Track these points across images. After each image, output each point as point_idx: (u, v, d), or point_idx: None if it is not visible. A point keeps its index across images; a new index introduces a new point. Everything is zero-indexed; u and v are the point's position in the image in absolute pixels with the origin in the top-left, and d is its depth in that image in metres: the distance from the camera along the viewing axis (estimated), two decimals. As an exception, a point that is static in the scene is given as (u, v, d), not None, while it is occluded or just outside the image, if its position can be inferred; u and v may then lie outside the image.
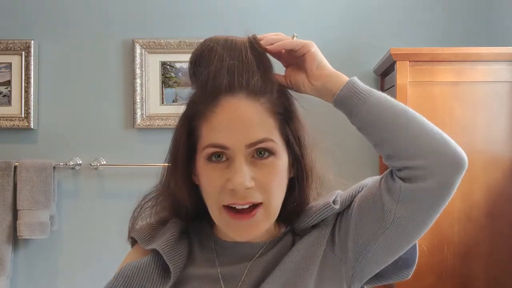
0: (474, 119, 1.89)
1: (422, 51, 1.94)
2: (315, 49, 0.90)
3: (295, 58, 0.92)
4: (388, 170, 0.89)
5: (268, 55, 0.91)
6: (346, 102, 0.87)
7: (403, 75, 1.90)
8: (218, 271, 0.91)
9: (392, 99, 0.88)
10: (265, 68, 0.89)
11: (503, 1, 2.30)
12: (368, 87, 0.89)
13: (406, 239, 0.88)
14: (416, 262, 0.95)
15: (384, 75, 2.31)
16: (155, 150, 2.50)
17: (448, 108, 1.90)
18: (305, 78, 0.91)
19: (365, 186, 0.93)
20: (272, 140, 0.86)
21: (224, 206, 0.86)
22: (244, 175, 0.83)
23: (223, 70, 0.85)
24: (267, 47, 0.90)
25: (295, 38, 0.91)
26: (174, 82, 2.45)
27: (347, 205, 0.92)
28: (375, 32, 2.43)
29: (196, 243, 0.96)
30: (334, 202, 0.92)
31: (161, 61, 2.45)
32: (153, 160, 2.34)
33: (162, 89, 2.46)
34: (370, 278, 0.93)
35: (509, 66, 1.89)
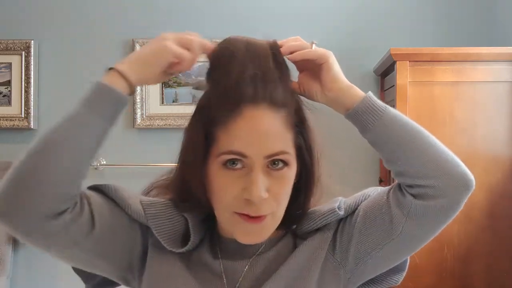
0: (474, 119, 1.89)
1: (422, 51, 1.94)
2: (332, 59, 0.90)
3: (310, 65, 0.92)
4: (396, 184, 0.91)
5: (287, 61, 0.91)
6: (361, 116, 0.89)
7: (403, 75, 1.90)
8: (221, 264, 0.92)
9: (407, 117, 0.90)
10: (286, 78, 0.89)
11: (504, 1, 2.30)
12: (384, 104, 0.90)
13: (408, 250, 0.92)
14: (407, 268, 0.99)
15: (384, 75, 2.31)
16: (155, 150, 2.52)
17: (448, 108, 1.90)
18: (319, 87, 0.91)
19: (369, 196, 0.95)
20: (288, 153, 0.87)
21: (235, 212, 0.87)
22: (261, 187, 0.84)
23: (246, 78, 0.84)
24: (287, 56, 0.90)
25: (314, 45, 0.92)
26: (174, 82, 2.45)
27: (351, 212, 0.94)
28: (375, 32, 2.43)
29: (208, 233, 0.98)
30: (338, 208, 0.94)
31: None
32: (153, 160, 2.34)
33: (162, 89, 2.46)
34: (362, 283, 0.96)
35: (509, 66, 1.89)
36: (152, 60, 0.87)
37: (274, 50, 0.89)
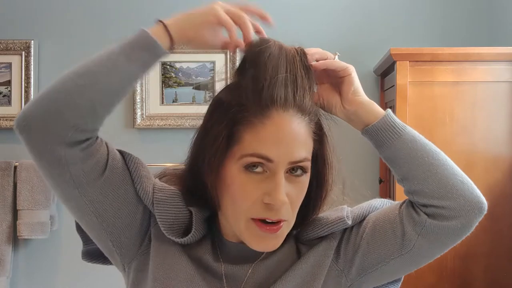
0: (474, 119, 1.89)
1: (422, 51, 1.94)
2: (354, 74, 0.91)
3: (331, 78, 0.92)
4: (407, 200, 0.92)
5: None
6: (380, 133, 0.90)
7: (403, 75, 1.90)
8: (222, 268, 0.91)
9: (423, 137, 0.91)
10: (312, 86, 0.90)
11: (504, 1, 2.30)
12: (402, 123, 0.91)
13: (414, 265, 0.93)
14: (402, 279, 0.99)
15: (384, 75, 2.31)
16: (155, 150, 2.52)
17: (448, 108, 1.90)
18: (339, 101, 0.92)
19: (376, 208, 0.96)
20: (309, 160, 0.87)
21: (252, 218, 0.86)
22: (284, 192, 0.84)
23: (279, 82, 0.84)
24: (312, 63, 0.90)
25: (336, 57, 0.93)
26: (174, 82, 2.45)
27: (357, 222, 0.95)
28: (375, 32, 2.43)
29: (209, 234, 0.97)
30: (346, 217, 0.94)
31: (161, 61, 2.45)
32: (153, 160, 2.34)
33: (162, 89, 2.46)
34: None
35: (509, 66, 1.89)
36: (197, 20, 0.87)
37: (302, 56, 0.89)
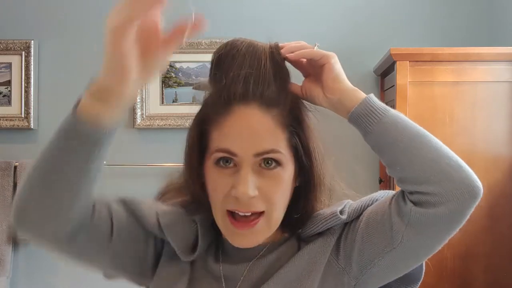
0: (474, 119, 1.89)
1: (422, 51, 1.94)
2: (334, 61, 0.88)
3: (314, 69, 0.91)
4: (400, 191, 0.87)
5: (288, 65, 0.91)
6: (360, 119, 0.86)
7: (403, 75, 1.90)
8: (221, 268, 0.92)
9: (409, 120, 0.86)
10: (282, 79, 0.89)
11: (504, 1, 2.30)
12: (384, 106, 0.87)
13: (413, 260, 0.88)
14: (422, 278, 0.94)
15: (384, 75, 2.31)
16: (155, 150, 2.52)
17: (448, 108, 1.90)
18: (321, 91, 0.89)
19: (376, 200, 0.92)
20: (279, 152, 0.86)
21: (228, 210, 0.87)
22: (249, 184, 0.83)
23: (239, 78, 0.85)
24: (287, 55, 0.89)
25: (316, 47, 0.91)
26: (174, 82, 2.45)
27: (356, 217, 0.92)
28: (375, 32, 2.43)
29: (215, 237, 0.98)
30: (341, 211, 0.91)
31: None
32: (153, 160, 2.34)
33: (162, 89, 2.46)
34: None
35: (509, 66, 1.89)
36: (108, 61, 0.70)
37: (273, 50, 0.89)
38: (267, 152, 0.85)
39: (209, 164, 0.87)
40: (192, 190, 0.92)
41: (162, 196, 1.00)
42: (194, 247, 0.93)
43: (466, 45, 2.23)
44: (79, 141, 0.75)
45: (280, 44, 0.90)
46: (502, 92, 1.89)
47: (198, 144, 0.89)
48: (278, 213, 0.88)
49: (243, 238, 0.87)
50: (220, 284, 0.91)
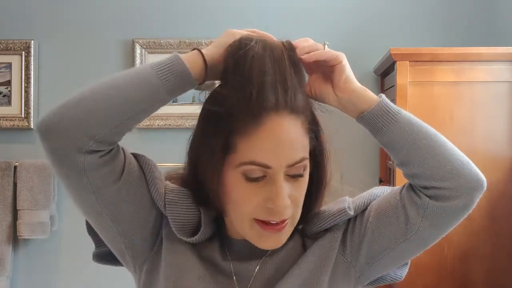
0: (474, 119, 1.89)
1: (422, 51, 1.94)
2: (345, 61, 0.89)
3: (321, 67, 0.91)
4: (407, 184, 0.92)
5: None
6: (375, 120, 0.88)
7: (403, 75, 1.90)
8: (231, 266, 0.92)
9: (420, 120, 0.91)
10: (303, 83, 0.89)
11: (504, 1, 2.30)
12: (397, 107, 0.90)
13: (420, 248, 0.93)
14: (409, 263, 1.00)
15: (384, 75, 2.31)
16: (155, 150, 2.50)
17: (448, 108, 1.90)
18: (331, 90, 0.90)
19: (377, 196, 0.96)
20: (307, 158, 0.87)
21: (255, 219, 0.86)
22: (285, 196, 0.84)
23: (267, 86, 0.81)
24: (301, 56, 0.89)
25: (326, 46, 0.91)
26: (174, 82, 2.45)
27: (360, 212, 0.95)
28: (375, 32, 2.43)
29: (217, 232, 0.98)
30: (348, 208, 0.94)
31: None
32: (153, 160, 2.34)
33: (162, 89, 2.45)
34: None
35: (509, 66, 1.89)
36: (222, 42, 0.88)
37: (290, 52, 0.87)
38: (300, 161, 0.85)
39: (234, 176, 0.85)
40: (210, 196, 0.90)
41: (170, 179, 0.99)
42: (194, 232, 0.93)
43: (466, 45, 2.23)
44: (178, 78, 0.84)
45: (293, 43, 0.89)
46: (502, 92, 1.89)
47: (223, 154, 0.85)
48: (299, 213, 0.90)
49: (271, 240, 0.88)
50: (232, 281, 0.91)
